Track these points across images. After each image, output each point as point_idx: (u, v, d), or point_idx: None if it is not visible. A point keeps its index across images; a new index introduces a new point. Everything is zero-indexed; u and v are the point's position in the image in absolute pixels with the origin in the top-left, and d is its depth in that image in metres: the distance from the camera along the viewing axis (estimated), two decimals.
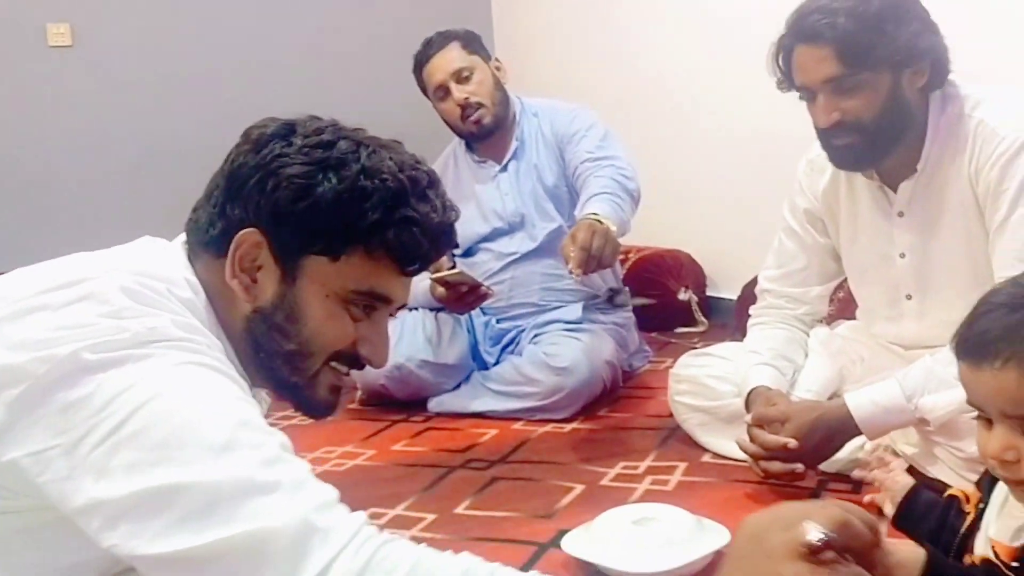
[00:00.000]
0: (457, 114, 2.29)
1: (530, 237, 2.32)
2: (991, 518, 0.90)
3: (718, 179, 3.06)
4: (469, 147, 2.42)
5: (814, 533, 0.69)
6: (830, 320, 1.88)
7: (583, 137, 2.27)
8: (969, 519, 0.94)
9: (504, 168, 2.36)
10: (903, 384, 1.43)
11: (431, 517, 1.58)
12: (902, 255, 1.58)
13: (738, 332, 1.94)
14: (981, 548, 0.90)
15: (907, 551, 0.92)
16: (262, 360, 0.88)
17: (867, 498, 1.11)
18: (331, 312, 0.87)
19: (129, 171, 3.22)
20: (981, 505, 0.92)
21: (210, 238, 0.88)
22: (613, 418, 2.12)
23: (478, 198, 2.37)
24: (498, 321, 2.35)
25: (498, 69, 2.36)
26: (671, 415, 1.92)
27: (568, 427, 2.07)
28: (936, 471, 1.45)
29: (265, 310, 0.87)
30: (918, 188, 1.52)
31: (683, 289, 3.07)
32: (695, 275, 3.15)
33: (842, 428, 1.48)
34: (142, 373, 0.72)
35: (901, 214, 1.56)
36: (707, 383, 1.81)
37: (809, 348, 1.75)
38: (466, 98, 2.26)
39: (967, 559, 0.92)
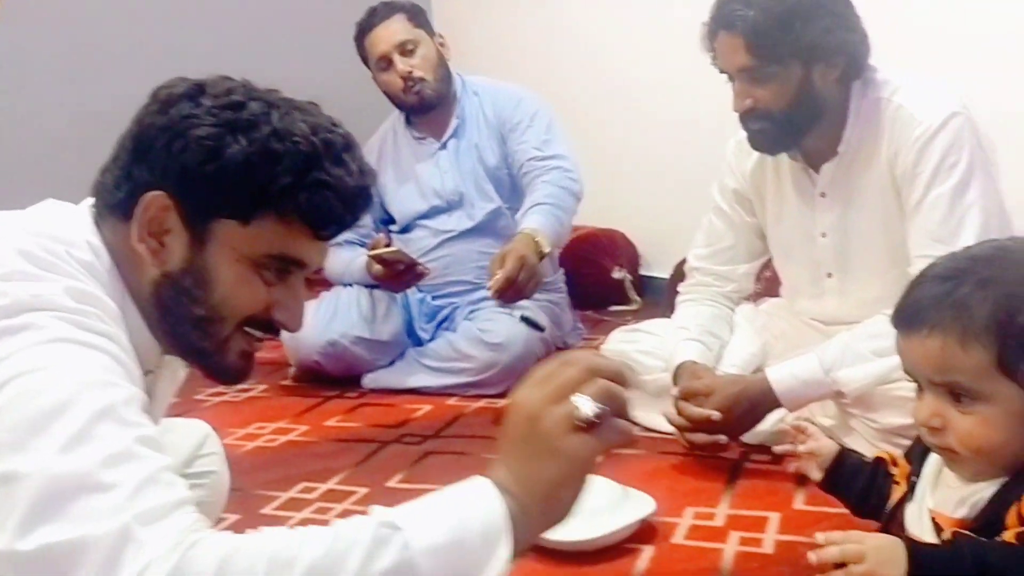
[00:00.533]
0: (399, 86, 2.27)
1: (468, 216, 2.33)
2: (926, 489, 0.91)
3: (654, 160, 3.11)
4: (409, 123, 2.41)
5: (587, 408, 0.69)
6: (756, 298, 1.94)
7: (528, 127, 2.28)
8: (899, 490, 0.96)
9: (444, 146, 2.36)
10: (821, 358, 1.48)
11: (363, 491, 1.59)
12: (823, 235, 1.63)
13: (669, 310, 1.98)
14: (915, 519, 0.92)
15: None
16: (171, 325, 0.87)
17: (792, 466, 1.14)
18: (242, 276, 0.85)
19: (54, 140, 3.13)
20: (913, 478, 0.94)
21: (116, 200, 0.85)
22: None
23: (417, 175, 2.37)
24: (433, 298, 2.35)
25: (442, 45, 2.35)
26: None
27: (502, 402, 2.08)
28: (851, 442, 1.51)
29: (174, 275, 0.85)
30: (839, 170, 1.57)
31: (617, 268, 3.12)
32: (629, 254, 3.19)
33: (763, 400, 1.53)
34: (11, 348, 0.70)
35: (823, 195, 1.61)
36: (636, 358, 1.84)
37: (735, 324, 1.80)
38: (409, 71, 2.25)
39: (905, 532, 0.93)
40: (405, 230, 2.38)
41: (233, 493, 1.58)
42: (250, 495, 1.58)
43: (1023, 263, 0.82)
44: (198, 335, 0.87)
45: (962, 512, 0.86)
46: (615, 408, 0.71)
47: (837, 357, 1.47)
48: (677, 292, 1.91)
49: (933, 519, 0.88)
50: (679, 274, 2.27)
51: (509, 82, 2.47)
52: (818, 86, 1.49)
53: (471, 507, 0.70)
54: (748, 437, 1.62)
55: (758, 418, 1.56)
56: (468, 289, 2.32)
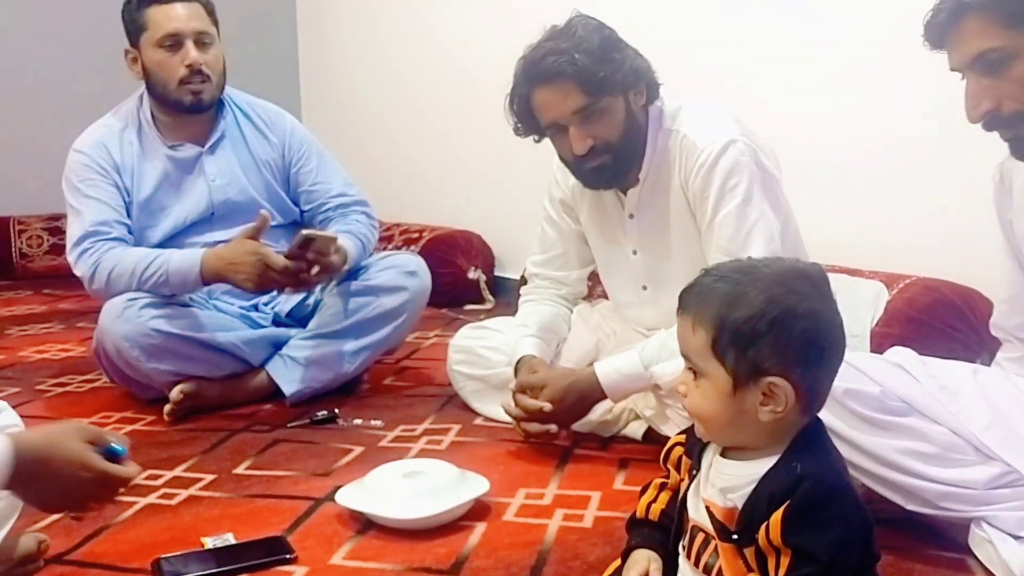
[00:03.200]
0: (178, 74, 2.05)
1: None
2: (702, 480, 1.02)
3: (510, 165, 3.24)
4: (158, 126, 2.15)
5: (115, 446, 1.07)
6: (595, 298, 2.10)
7: (309, 162, 2.26)
8: (684, 486, 1.07)
9: (211, 151, 2.17)
10: (642, 355, 1.64)
11: (210, 477, 1.63)
12: (634, 252, 1.79)
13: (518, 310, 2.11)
14: (694, 510, 1.02)
15: None
16: None
17: None
18: None
19: None
20: (694, 471, 1.04)
21: None
22: (397, 387, 2.24)
23: (181, 180, 2.15)
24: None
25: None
26: (451, 384, 2.06)
27: (353, 394, 2.16)
28: (667, 430, 1.67)
29: None
30: (643, 195, 1.72)
31: (473, 268, 3.23)
32: (485, 255, 3.32)
33: (591, 392, 1.67)
34: None
35: (632, 216, 1.76)
36: (481, 353, 1.97)
37: (572, 323, 1.95)
38: (200, 64, 2.05)
39: (690, 521, 1.03)
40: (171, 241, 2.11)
41: None
42: None
43: (764, 276, 0.96)
44: None
45: (730, 503, 0.97)
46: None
47: (655, 353, 1.63)
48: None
49: (708, 508, 0.99)
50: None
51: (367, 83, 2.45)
52: (635, 113, 1.64)
53: None
54: (578, 426, 1.77)
55: (586, 409, 1.70)
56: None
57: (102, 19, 4.02)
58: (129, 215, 2.10)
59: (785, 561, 0.91)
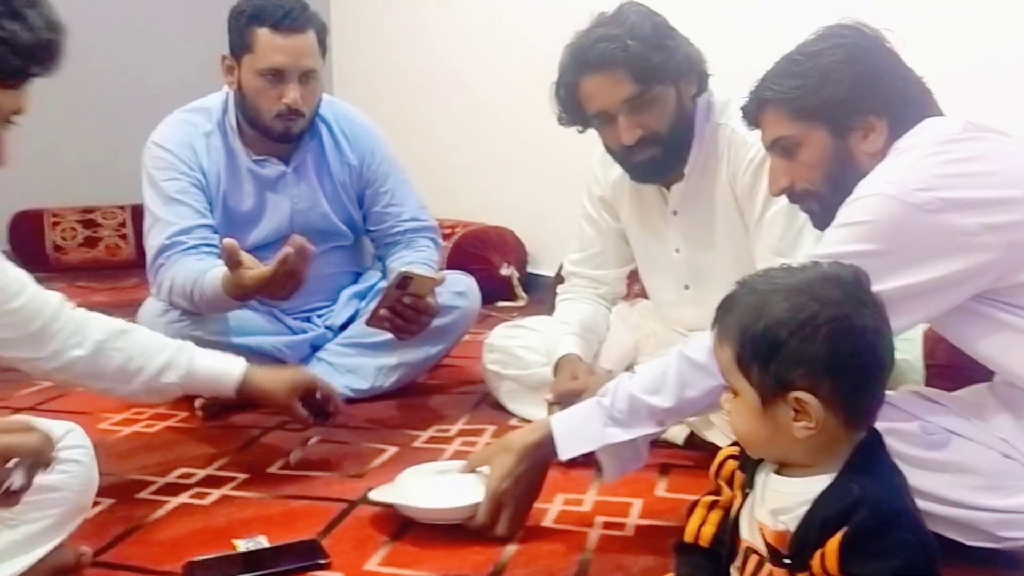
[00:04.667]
0: (274, 110, 1.93)
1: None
2: (756, 500, 0.98)
3: (544, 161, 3.20)
4: (243, 137, 2.04)
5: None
6: (632, 297, 2.04)
7: (386, 183, 2.17)
8: (737, 503, 1.01)
9: (295, 171, 2.08)
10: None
11: (242, 476, 1.60)
12: (677, 250, 1.73)
13: (553, 308, 2.06)
14: (747, 531, 0.98)
15: None
16: None
17: None
18: None
19: None
20: (747, 489, 1.00)
21: None
22: (430, 385, 2.20)
23: (262, 197, 2.07)
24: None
25: None
26: (484, 382, 2.02)
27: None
28: (712, 436, 1.62)
29: None
30: (688, 190, 1.67)
31: (505, 265, 3.19)
32: (517, 252, 3.28)
33: None
34: None
35: (675, 213, 1.70)
36: (517, 353, 1.92)
37: (611, 322, 1.90)
38: (298, 103, 1.93)
39: (742, 542, 0.98)
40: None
41: (107, 478, 1.57)
42: (126, 480, 1.57)
43: (788, 284, 0.91)
44: None
45: (780, 526, 0.92)
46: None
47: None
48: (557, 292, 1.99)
49: (761, 531, 0.95)
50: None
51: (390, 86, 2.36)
52: (686, 102, 1.59)
53: None
54: None
55: None
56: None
57: (136, 9, 4.07)
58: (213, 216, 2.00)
59: None
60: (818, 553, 0.87)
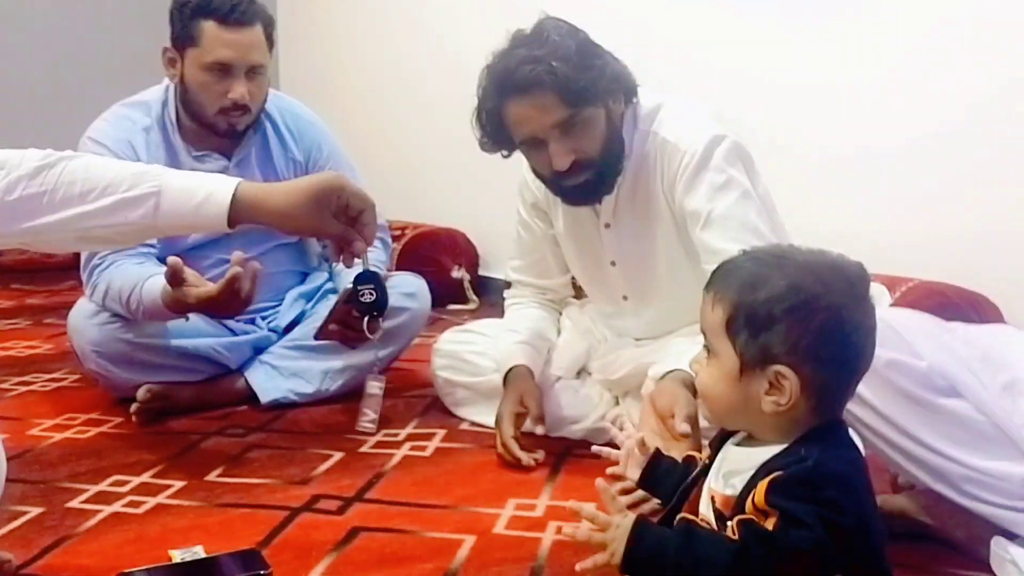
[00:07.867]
0: (220, 104, 1.89)
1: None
2: (712, 470, 0.99)
3: (494, 163, 3.15)
4: (182, 132, 1.97)
5: None
6: (584, 297, 2.01)
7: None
8: (695, 471, 1.03)
9: (237, 166, 2.00)
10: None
11: (179, 484, 1.53)
12: (612, 263, 1.69)
13: (503, 311, 2.04)
14: (704, 505, 0.98)
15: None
16: None
17: (609, 470, 1.19)
18: None
19: None
20: (708, 461, 1.00)
21: None
22: None
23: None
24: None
25: None
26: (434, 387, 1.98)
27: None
28: (674, 452, 1.59)
29: None
30: (620, 203, 1.62)
31: (457, 267, 3.15)
32: (469, 254, 3.24)
33: None
34: None
35: (608, 225, 1.66)
36: (468, 358, 1.88)
37: (562, 326, 1.87)
38: (245, 99, 1.88)
39: (692, 513, 0.99)
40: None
41: (36, 486, 1.51)
42: (55, 488, 1.50)
43: (795, 263, 0.92)
44: None
45: (729, 490, 0.93)
46: None
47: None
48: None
49: (712, 499, 0.96)
50: None
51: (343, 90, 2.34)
52: (615, 121, 1.54)
53: None
54: (570, 433, 1.69)
55: None
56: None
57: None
58: None
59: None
60: (750, 496, 0.88)
